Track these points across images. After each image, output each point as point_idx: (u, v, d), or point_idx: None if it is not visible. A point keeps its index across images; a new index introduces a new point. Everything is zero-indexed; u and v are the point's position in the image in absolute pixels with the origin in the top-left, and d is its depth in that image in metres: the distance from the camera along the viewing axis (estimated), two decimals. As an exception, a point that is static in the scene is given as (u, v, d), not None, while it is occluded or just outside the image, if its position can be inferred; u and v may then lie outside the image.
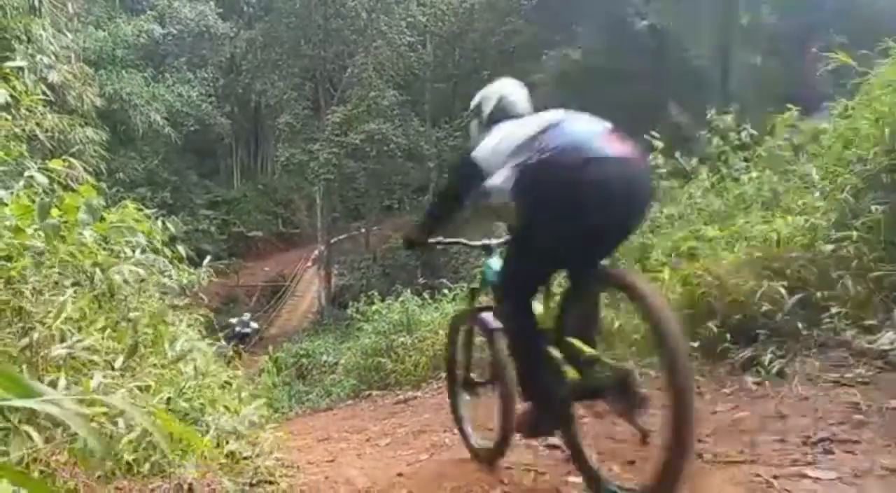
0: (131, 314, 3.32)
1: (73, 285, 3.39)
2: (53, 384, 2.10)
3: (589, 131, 2.53)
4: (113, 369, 2.53)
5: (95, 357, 2.47)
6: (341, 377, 12.29)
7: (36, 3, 9.24)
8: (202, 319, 5.57)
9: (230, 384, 3.90)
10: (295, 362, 17.07)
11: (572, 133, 2.50)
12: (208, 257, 4.88)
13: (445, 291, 11.33)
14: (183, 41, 29.12)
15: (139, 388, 2.70)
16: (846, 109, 6.24)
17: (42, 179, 4.36)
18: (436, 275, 23.03)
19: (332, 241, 30.21)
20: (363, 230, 33.38)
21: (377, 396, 9.08)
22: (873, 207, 4.37)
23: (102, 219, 3.88)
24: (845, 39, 23.08)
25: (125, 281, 3.55)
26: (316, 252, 32.30)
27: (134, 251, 3.85)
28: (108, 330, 3.02)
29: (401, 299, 11.00)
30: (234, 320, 19.72)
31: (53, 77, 11.27)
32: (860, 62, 6.14)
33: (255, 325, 21.57)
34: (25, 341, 2.43)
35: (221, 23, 28.82)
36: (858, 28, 22.45)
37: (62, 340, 2.49)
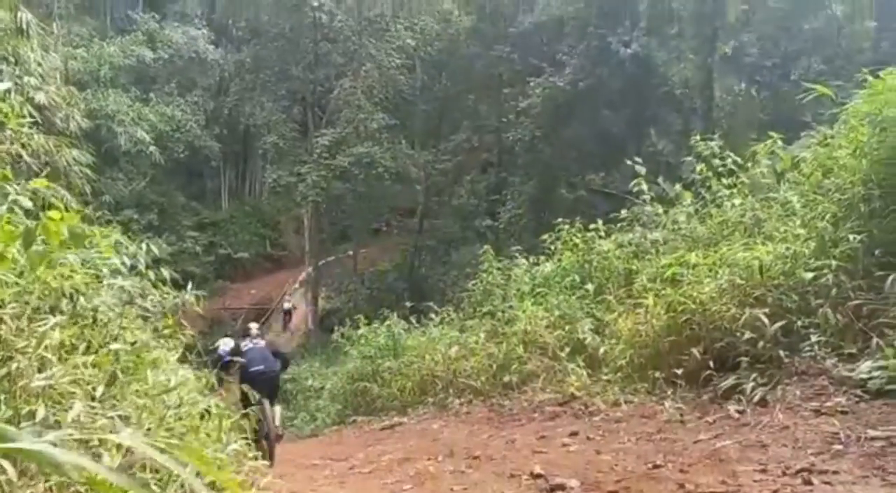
0: (113, 342, 3.29)
1: (54, 310, 3.36)
2: (32, 415, 2.08)
3: None
4: (93, 398, 2.50)
5: (76, 390, 2.43)
6: (326, 402, 12.17)
7: (24, 25, 9.24)
8: (185, 340, 5.51)
9: (209, 413, 3.85)
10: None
11: None
12: (189, 285, 4.84)
13: (433, 314, 11.27)
14: (173, 65, 29.20)
15: (119, 417, 2.66)
16: (825, 138, 6.37)
17: (26, 202, 4.35)
18: (423, 298, 23.00)
19: (320, 263, 30.10)
20: (350, 253, 33.31)
21: (362, 421, 9.00)
22: (851, 236, 4.45)
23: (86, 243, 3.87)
24: (825, 67, 23.70)
25: (107, 306, 3.52)
26: (303, 275, 32.15)
27: (116, 277, 3.82)
28: (90, 357, 2.98)
29: (387, 323, 10.95)
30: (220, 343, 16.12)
31: (41, 98, 11.25)
32: (838, 92, 6.29)
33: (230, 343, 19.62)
34: (4, 370, 2.39)
35: (212, 48, 29.00)
36: (838, 56, 23.02)
37: (42, 369, 2.46)
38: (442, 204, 30.13)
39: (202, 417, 3.79)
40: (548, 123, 24.58)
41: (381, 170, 25.77)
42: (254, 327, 7.66)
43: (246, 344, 6.88)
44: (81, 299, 3.32)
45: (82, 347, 3.05)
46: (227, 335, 24.31)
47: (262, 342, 7.03)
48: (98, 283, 3.89)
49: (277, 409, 6.79)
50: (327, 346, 20.92)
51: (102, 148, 22.44)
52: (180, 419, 3.33)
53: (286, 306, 31.69)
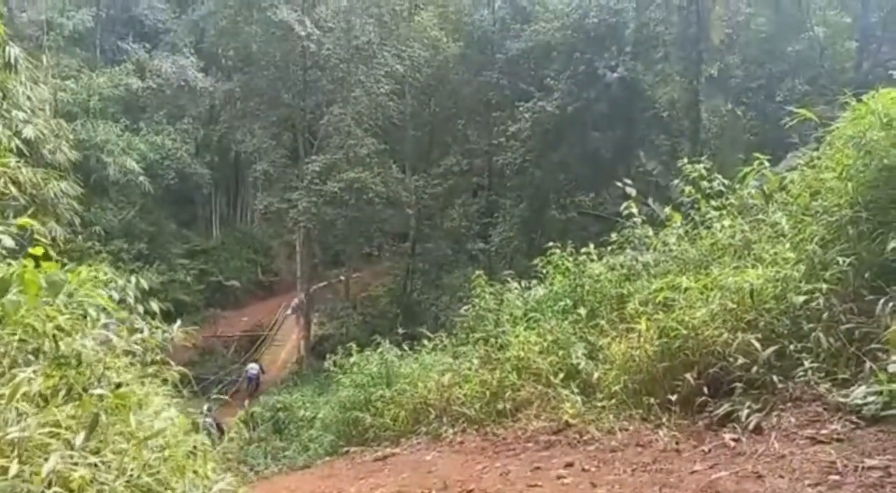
0: (97, 384, 3.22)
1: (37, 352, 3.29)
2: (4, 471, 2.01)
3: None
4: (72, 448, 2.43)
5: (52, 441, 2.36)
6: (319, 432, 12.00)
7: (12, 60, 9.26)
8: (174, 377, 5.42)
9: (195, 453, 3.77)
10: (272, 417, 16.68)
11: None
12: (178, 322, 4.77)
13: (425, 340, 11.16)
14: (163, 94, 29.35)
15: (102, 463, 2.59)
16: (811, 159, 6.41)
17: (8, 241, 4.29)
18: (416, 323, 22.88)
19: (312, 289, 29.97)
20: (343, 278, 33.20)
21: (355, 452, 8.85)
22: (840, 259, 4.46)
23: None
24: (809, 88, 24.06)
25: (91, 348, 3.46)
26: (296, 300, 31.97)
27: (100, 315, 3.77)
28: (72, 403, 2.91)
29: (380, 350, 10.85)
30: (248, 367, 27.27)
31: (29, 132, 11.25)
32: (824, 111, 6.35)
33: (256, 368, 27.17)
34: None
35: (201, 77, 29.16)
36: (821, 76, 23.39)
37: (19, 417, 2.39)
38: (434, 228, 30.19)
39: (188, 456, 3.70)
40: (537, 147, 24.79)
41: (371, 195, 25.84)
42: (205, 408, 12.56)
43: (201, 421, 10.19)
44: (65, 340, 3.26)
45: (64, 391, 2.98)
46: (254, 361, 27.89)
47: (210, 419, 9.97)
48: (84, 322, 3.83)
49: None
50: (320, 373, 20.75)
51: (91, 178, 22.44)
52: (166, 460, 3.25)
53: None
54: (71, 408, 2.83)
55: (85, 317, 3.95)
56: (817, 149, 6.85)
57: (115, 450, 2.78)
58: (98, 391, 3.20)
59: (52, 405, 2.72)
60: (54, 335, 3.21)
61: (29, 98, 10.99)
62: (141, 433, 3.25)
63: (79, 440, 2.47)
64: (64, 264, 3.94)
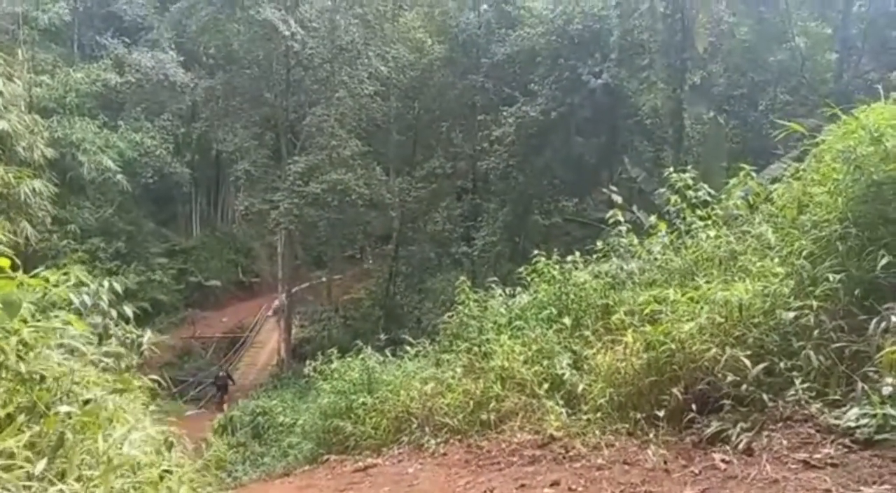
0: (64, 400, 3.05)
1: (-1, 368, 3.12)
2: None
3: None
4: (31, 477, 2.27)
5: (6, 475, 2.20)
6: (299, 439, 11.80)
7: (-15, 54, 8.99)
8: (149, 383, 5.25)
9: (170, 473, 3.60)
10: (251, 421, 16.40)
11: None
12: (148, 334, 4.60)
13: (408, 346, 11.00)
14: (142, 89, 28.84)
15: (66, 490, 2.43)
16: (797, 171, 6.39)
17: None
18: (399, 326, 22.72)
19: (294, 290, 29.66)
20: (324, 279, 32.92)
21: (335, 461, 8.68)
22: (830, 276, 4.41)
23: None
24: (790, 97, 24.32)
25: (57, 362, 3.29)
26: (276, 302, 31.66)
27: (69, 326, 3.59)
28: (35, 421, 2.75)
29: (361, 356, 10.68)
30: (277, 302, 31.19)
31: (2, 126, 10.95)
32: (804, 121, 6.33)
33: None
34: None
35: (182, 72, 28.69)
36: (802, 86, 23.65)
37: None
38: (417, 230, 30.05)
39: (162, 478, 3.54)
40: (521, 151, 24.77)
41: (354, 197, 25.64)
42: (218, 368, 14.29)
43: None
44: (29, 355, 3.09)
45: (27, 411, 2.81)
46: (276, 300, 29.79)
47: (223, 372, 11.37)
48: (52, 334, 3.65)
49: None
50: (300, 377, 20.48)
51: (67, 176, 21.98)
52: (137, 485, 3.09)
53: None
54: (34, 428, 2.66)
55: (52, 329, 3.77)
56: (800, 160, 6.84)
57: (81, 476, 2.61)
58: (64, 409, 3.04)
59: (13, 428, 2.55)
60: (18, 352, 3.04)
61: (1, 93, 10.69)
62: (111, 451, 3.08)
63: (39, 467, 2.31)
64: (27, 271, 3.76)
